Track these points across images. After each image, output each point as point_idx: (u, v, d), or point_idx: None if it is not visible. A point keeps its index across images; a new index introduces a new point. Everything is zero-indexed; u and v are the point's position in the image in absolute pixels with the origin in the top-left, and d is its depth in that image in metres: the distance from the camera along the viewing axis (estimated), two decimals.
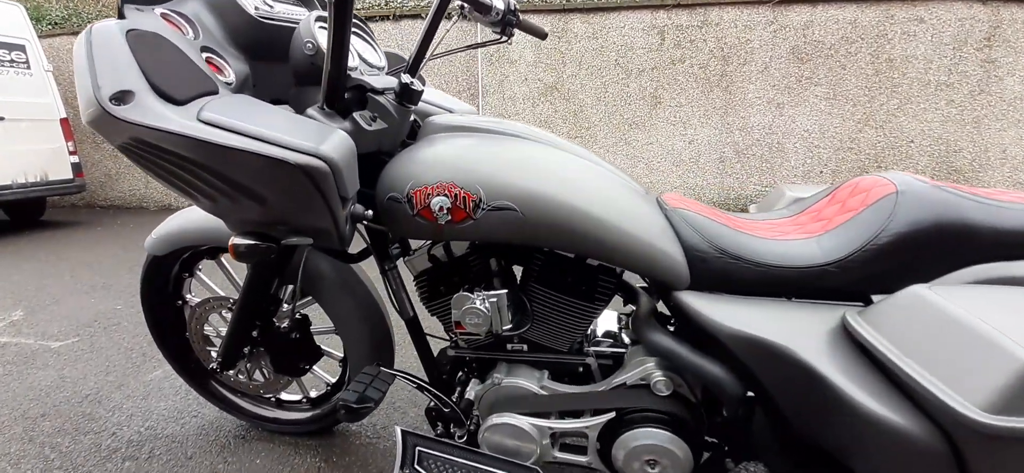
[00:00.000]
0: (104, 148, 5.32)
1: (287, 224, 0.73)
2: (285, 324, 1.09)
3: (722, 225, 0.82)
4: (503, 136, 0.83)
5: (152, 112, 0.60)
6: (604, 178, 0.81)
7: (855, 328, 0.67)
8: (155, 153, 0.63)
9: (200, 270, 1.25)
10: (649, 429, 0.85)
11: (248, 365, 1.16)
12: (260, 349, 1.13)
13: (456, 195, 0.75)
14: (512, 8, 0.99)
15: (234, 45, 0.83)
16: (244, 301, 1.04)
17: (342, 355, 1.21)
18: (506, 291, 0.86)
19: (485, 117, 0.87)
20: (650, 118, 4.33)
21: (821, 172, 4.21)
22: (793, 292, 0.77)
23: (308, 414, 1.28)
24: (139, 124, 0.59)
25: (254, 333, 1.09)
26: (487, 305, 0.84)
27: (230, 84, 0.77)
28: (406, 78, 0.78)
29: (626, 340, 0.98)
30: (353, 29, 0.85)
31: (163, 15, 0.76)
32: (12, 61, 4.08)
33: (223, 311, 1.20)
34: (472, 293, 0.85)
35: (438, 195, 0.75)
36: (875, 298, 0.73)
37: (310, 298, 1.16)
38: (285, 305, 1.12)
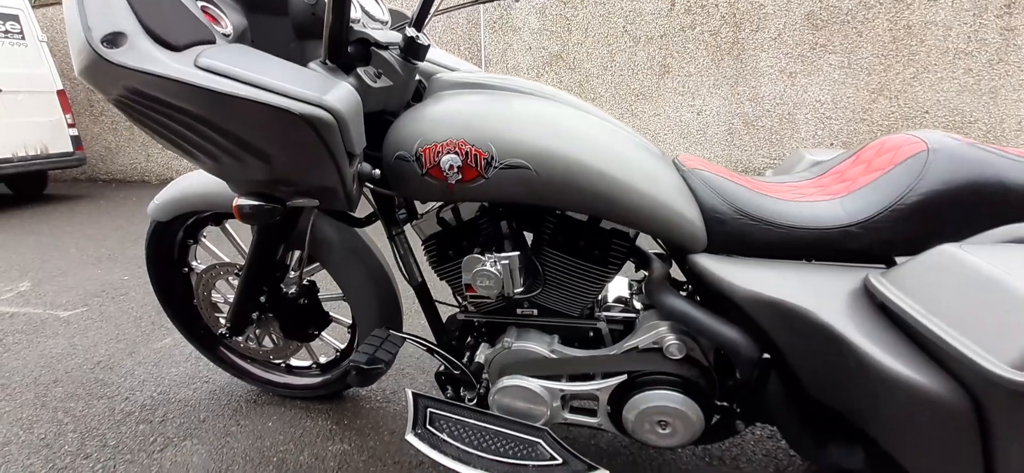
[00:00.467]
0: (103, 121, 5.26)
1: (292, 184, 0.70)
2: (293, 290, 1.08)
3: (742, 186, 0.79)
4: (515, 93, 0.79)
5: (148, 57, 0.57)
6: (620, 137, 0.78)
7: (878, 289, 0.65)
8: (151, 105, 0.60)
9: (205, 237, 1.24)
10: (661, 391, 0.84)
11: (257, 331, 1.17)
12: (268, 315, 1.13)
13: (467, 153, 0.73)
14: None
15: None
16: (251, 267, 1.03)
17: (351, 321, 1.21)
18: (518, 253, 0.84)
19: (495, 74, 0.83)
20: (657, 88, 4.23)
21: (831, 145, 4.13)
22: (814, 254, 0.75)
23: (318, 379, 1.29)
24: (134, 69, 0.56)
25: (262, 299, 1.08)
26: (499, 267, 0.82)
27: (227, 36, 0.73)
28: (412, 32, 0.75)
29: (637, 306, 0.97)
30: None
31: None
32: (6, 32, 4.00)
33: (230, 277, 1.19)
34: (483, 255, 0.84)
35: (448, 153, 0.73)
36: (899, 260, 0.71)
37: (317, 264, 1.15)
38: (292, 272, 1.11)
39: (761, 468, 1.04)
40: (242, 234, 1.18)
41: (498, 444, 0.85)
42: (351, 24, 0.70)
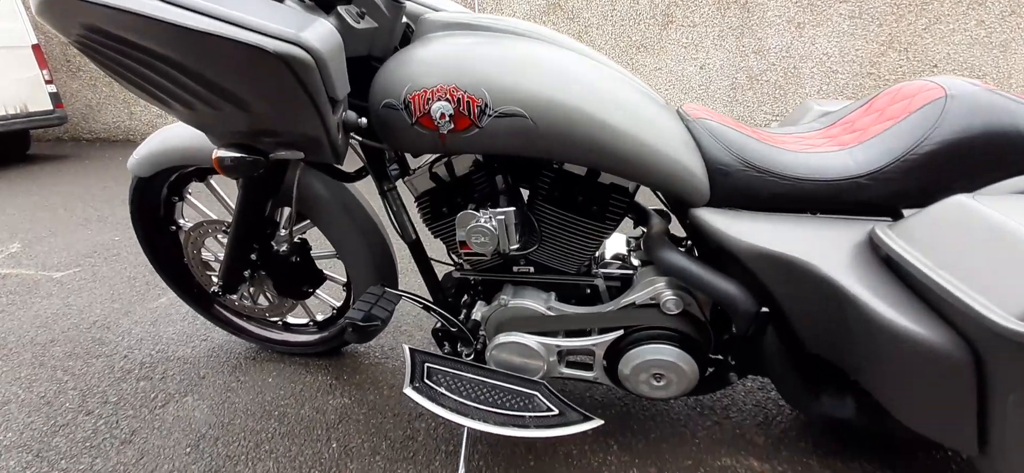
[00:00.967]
0: (81, 76, 5.03)
1: (273, 133, 0.66)
2: (284, 248, 1.06)
3: (748, 136, 0.76)
4: (511, 35, 0.74)
5: None
6: (621, 84, 0.73)
7: (884, 241, 0.63)
8: (114, 44, 0.55)
9: (190, 193, 1.20)
10: (657, 345, 0.84)
11: (251, 289, 1.15)
12: (261, 273, 1.11)
13: (459, 99, 0.68)
14: None
15: None
16: (238, 224, 1.00)
17: (346, 279, 1.20)
18: (514, 208, 0.81)
19: (489, 15, 0.77)
20: (660, 40, 4.06)
21: (836, 100, 4.02)
22: (820, 207, 0.73)
23: (316, 336, 1.29)
24: (91, 1, 0.51)
25: (253, 257, 1.06)
26: (494, 223, 0.80)
27: None
28: None
29: (635, 262, 0.95)
30: None
31: None
32: None
33: (219, 235, 1.16)
34: (478, 211, 0.81)
35: (439, 100, 0.68)
36: (906, 213, 0.69)
37: (308, 222, 1.12)
38: (282, 229, 1.08)
39: (751, 417, 1.06)
40: (228, 190, 1.14)
41: (495, 396, 0.86)
42: None
